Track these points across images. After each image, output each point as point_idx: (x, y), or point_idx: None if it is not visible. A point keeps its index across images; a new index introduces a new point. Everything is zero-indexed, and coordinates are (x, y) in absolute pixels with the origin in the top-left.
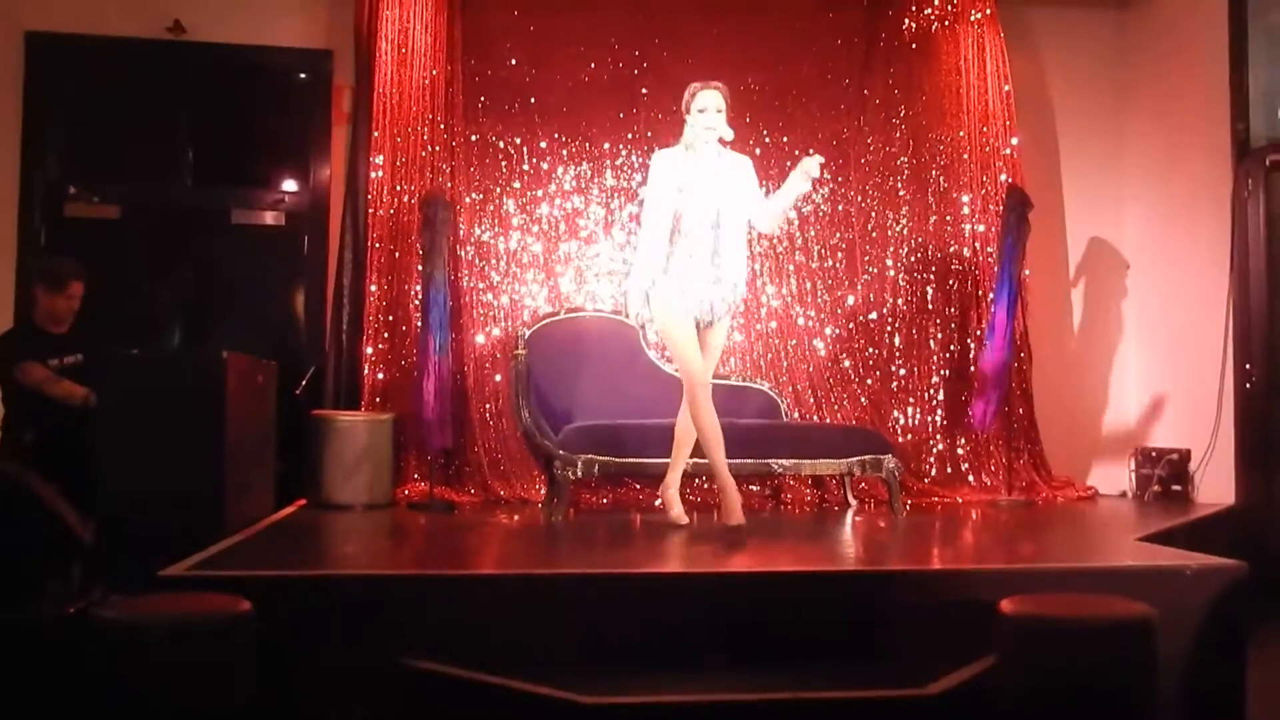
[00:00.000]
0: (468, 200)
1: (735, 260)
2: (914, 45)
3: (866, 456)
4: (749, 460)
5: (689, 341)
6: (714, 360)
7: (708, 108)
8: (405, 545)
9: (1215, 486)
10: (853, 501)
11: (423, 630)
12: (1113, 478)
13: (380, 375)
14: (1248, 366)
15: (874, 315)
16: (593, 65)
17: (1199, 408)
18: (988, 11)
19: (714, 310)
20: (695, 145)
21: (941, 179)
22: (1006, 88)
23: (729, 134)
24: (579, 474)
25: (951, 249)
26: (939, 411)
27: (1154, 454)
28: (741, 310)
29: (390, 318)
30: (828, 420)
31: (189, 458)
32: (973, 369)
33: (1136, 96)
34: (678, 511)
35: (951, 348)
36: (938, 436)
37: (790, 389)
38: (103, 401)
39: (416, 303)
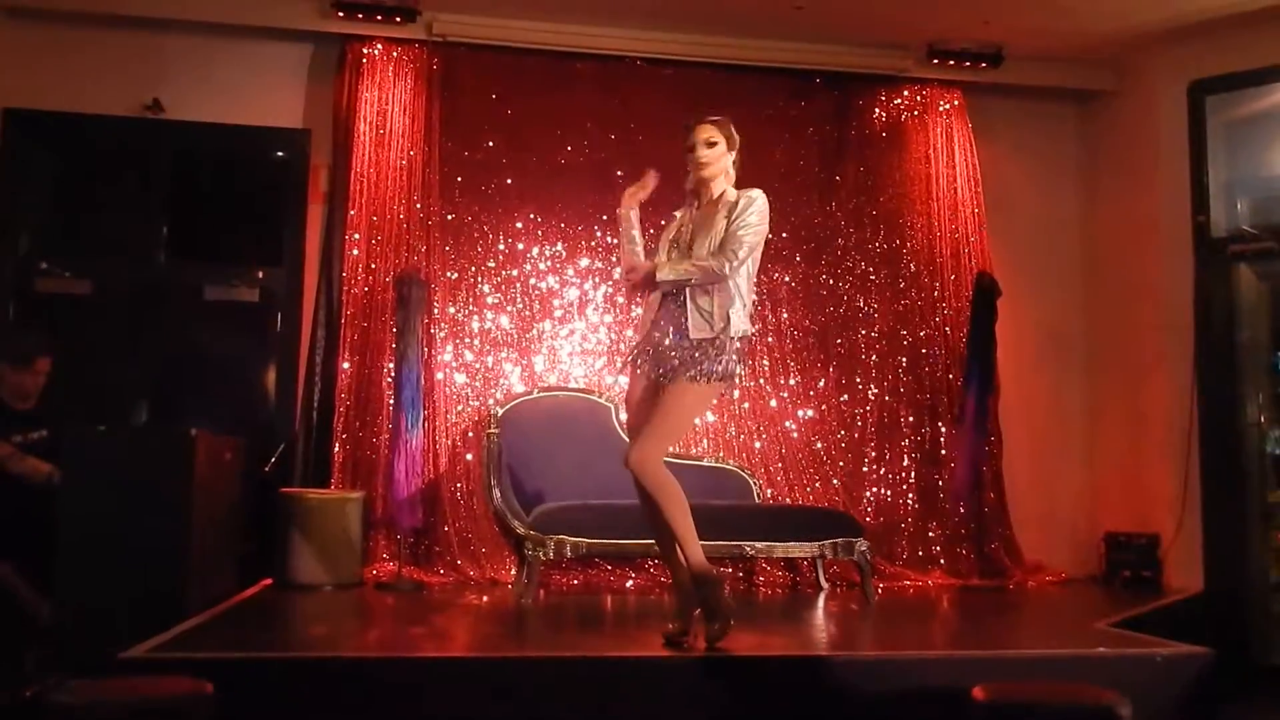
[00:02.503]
0: (442, 279)
1: (694, 308)
2: (884, 134)
3: (838, 539)
4: (721, 542)
5: (629, 404)
6: (646, 433)
7: (695, 144)
8: (372, 627)
9: (1184, 571)
10: (825, 584)
11: (389, 715)
12: (1083, 562)
13: (350, 453)
14: (1213, 453)
15: (845, 397)
16: (569, 148)
17: (1167, 493)
18: (955, 103)
19: (655, 364)
20: (693, 194)
21: (912, 264)
22: (975, 176)
23: (717, 172)
24: (549, 555)
25: (922, 333)
26: (910, 494)
27: (1123, 539)
28: (700, 371)
29: (362, 395)
30: (800, 502)
31: (153, 536)
32: (943, 453)
33: (1101, 187)
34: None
35: (923, 430)
36: (909, 519)
37: (762, 470)
38: (67, 478)
39: (389, 380)
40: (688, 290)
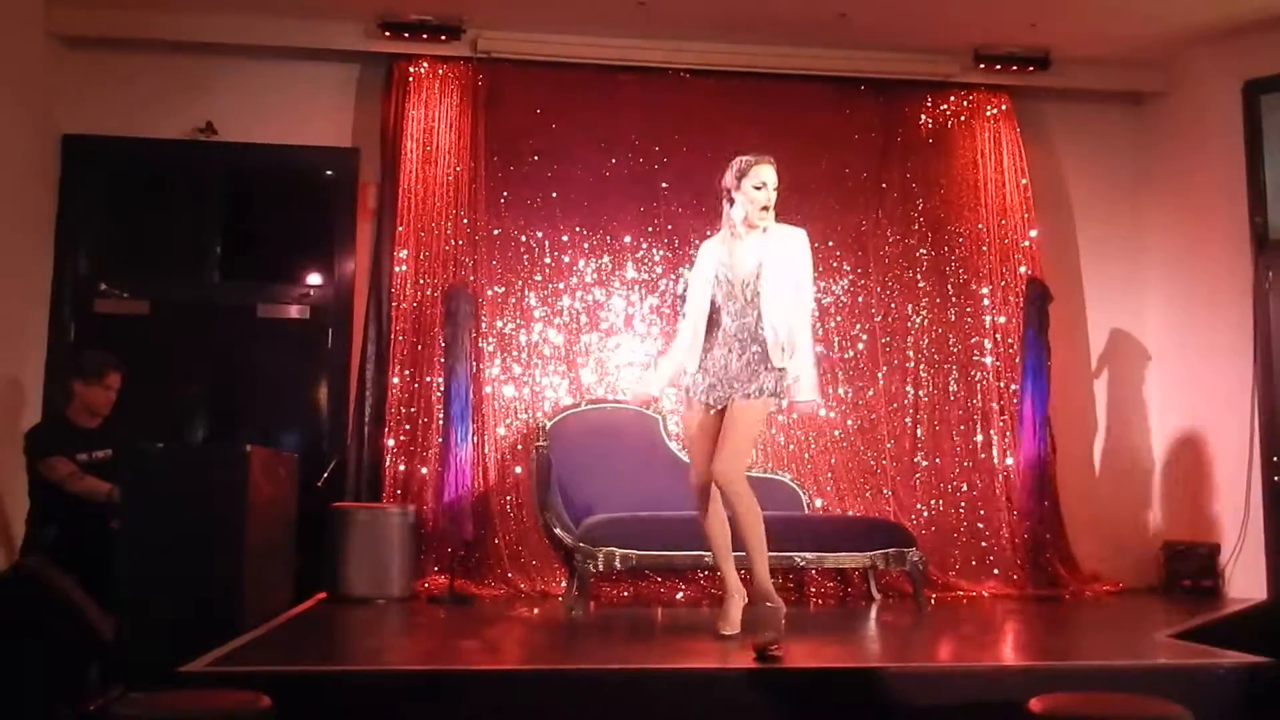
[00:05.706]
0: (490, 293)
1: (773, 337)
2: (930, 140)
3: (890, 550)
4: (771, 553)
5: (686, 431)
6: (724, 449)
7: (766, 184)
8: (424, 640)
9: (1246, 581)
10: (876, 595)
11: None
12: (1141, 572)
13: (401, 467)
14: (1275, 459)
15: (895, 406)
16: (613, 161)
17: (1228, 501)
18: (1003, 107)
19: (714, 392)
20: (744, 225)
21: (961, 271)
22: (1024, 181)
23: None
24: (600, 567)
25: (972, 340)
26: (963, 503)
27: (1183, 548)
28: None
29: (412, 410)
30: (850, 512)
31: (210, 552)
32: (996, 462)
33: (1154, 189)
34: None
35: (975, 439)
36: (962, 528)
37: (812, 480)
38: (126, 496)
39: (438, 395)
40: (765, 330)
